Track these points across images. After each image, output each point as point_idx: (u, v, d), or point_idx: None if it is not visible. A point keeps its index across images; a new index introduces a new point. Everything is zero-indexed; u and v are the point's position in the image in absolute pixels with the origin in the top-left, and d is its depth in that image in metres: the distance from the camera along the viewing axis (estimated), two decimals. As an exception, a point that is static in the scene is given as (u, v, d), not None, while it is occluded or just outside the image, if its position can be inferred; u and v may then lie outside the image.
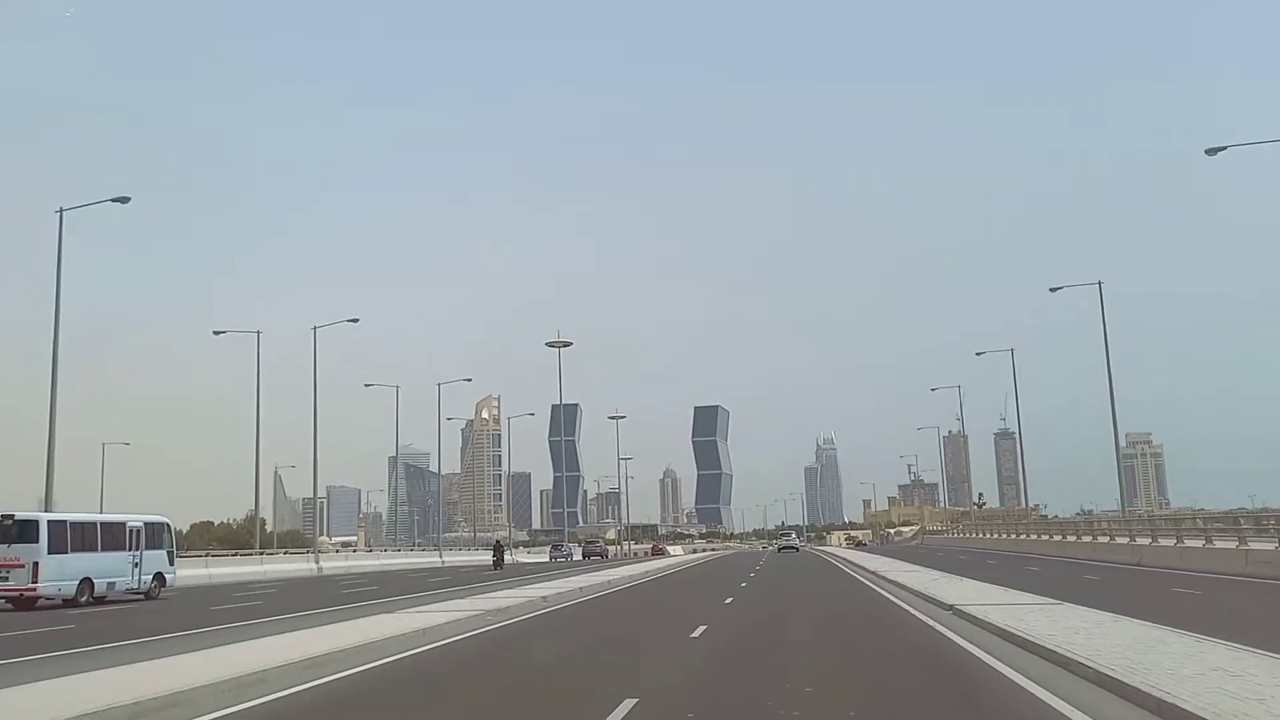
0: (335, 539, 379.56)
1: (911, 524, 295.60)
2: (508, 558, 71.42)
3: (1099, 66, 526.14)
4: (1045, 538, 53.87)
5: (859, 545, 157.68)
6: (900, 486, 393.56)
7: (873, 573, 35.59)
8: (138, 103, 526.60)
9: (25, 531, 28.77)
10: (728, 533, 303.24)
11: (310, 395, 64.60)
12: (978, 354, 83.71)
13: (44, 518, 30.36)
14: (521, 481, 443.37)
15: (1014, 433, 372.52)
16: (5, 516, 29.47)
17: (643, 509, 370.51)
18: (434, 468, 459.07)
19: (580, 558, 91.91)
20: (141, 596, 32.61)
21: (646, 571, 45.31)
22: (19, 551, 28.32)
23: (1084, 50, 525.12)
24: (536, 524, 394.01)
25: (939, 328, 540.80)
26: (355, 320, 72.13)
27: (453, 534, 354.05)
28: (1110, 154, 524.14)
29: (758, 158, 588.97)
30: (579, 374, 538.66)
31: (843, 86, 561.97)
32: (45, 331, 50.32)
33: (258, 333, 64.93)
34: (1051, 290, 60.91)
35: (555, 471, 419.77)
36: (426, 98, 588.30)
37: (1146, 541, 37.64)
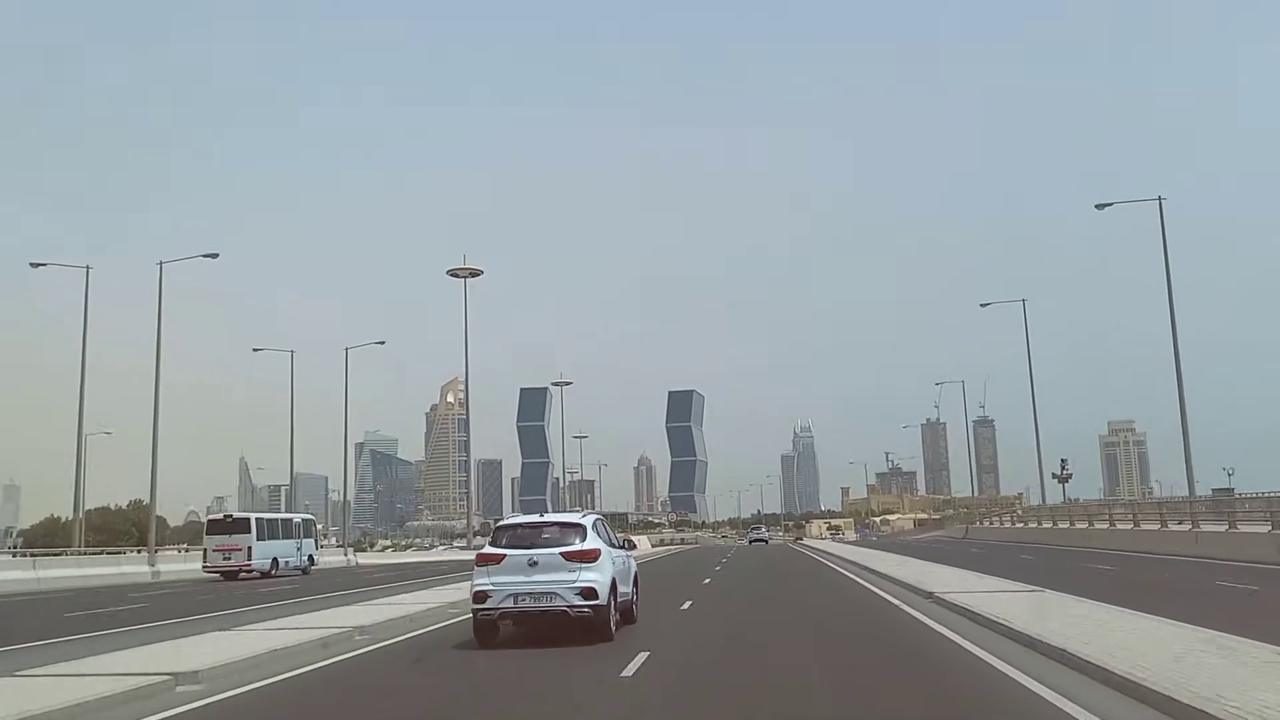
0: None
1: (893, 512, 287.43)
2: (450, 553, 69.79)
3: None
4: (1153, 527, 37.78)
5: (835, 535, 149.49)
6: (879, 475, 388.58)
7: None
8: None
9: (241, 526, 40.96)
10: (699, 522, 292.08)
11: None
12: (982, 305, 73.70)
13: (253, 516, 43.03)
14: (492, 469, 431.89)
15: (993, 420, 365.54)
16: (227, 516, 43.76)
17: (617, 498, 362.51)
18: (402, 454, 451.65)
19: None
20: (300, 572, 43.81)
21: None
22: (238, 540, 39.94)
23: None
24: (508, 513, 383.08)
25: (921, 319, 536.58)
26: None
27: (415, 523, 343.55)
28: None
29: (736, 133, 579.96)
30: (548, 356, 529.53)
31: (810, 63, 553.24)
32: None
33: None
34: (1099, 206, 48.12)
35: (524, 458, 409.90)
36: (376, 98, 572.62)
37: None
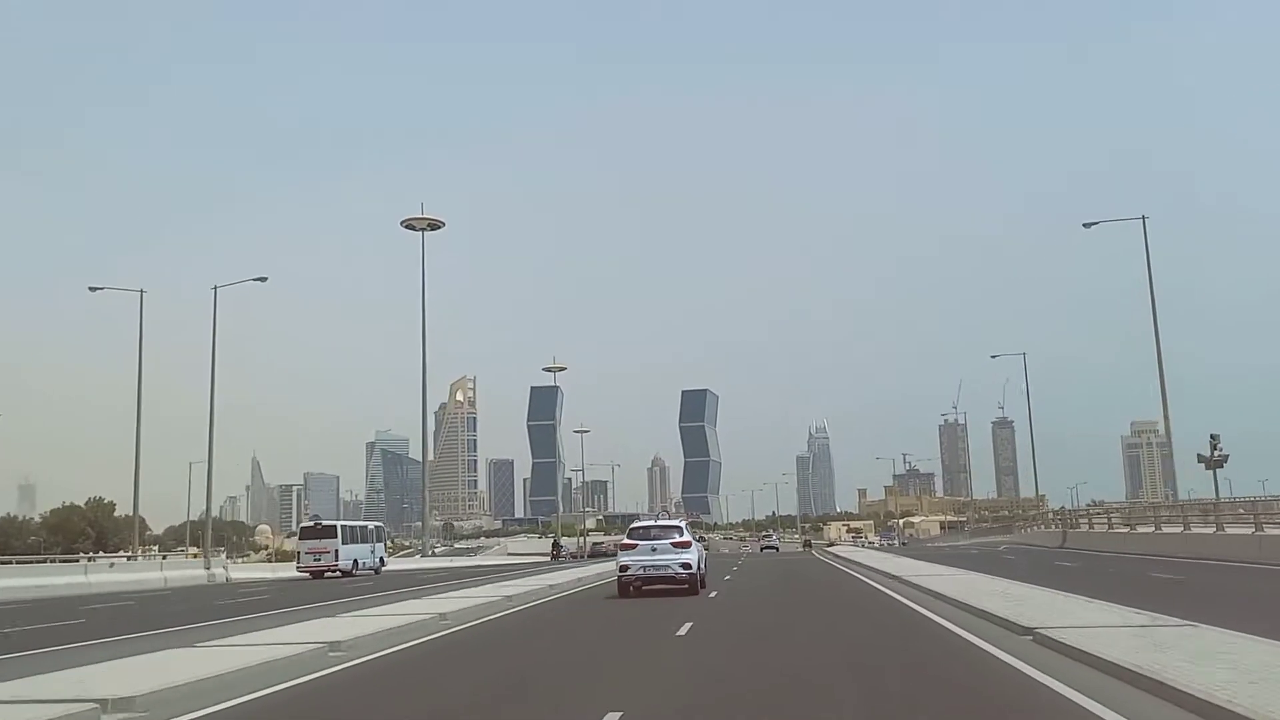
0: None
1: (911, 514, 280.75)
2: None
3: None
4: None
5: (857, 538, 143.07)
6: (895, 476, 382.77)
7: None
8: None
9: (329, 532, 47.47)
10: (711, 524, 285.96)
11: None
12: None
13: (339, 524, 49.15)
14: (504, 469, 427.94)
15: (1012, 421, 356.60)
16: (318, 523, 50.88)
17: (631, 498, 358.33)
18: (414, 454, 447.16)
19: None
20: (372, 572, 47.73)
21: (509, 599, 23.30)
22: (326, 544, 45.87)
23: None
24: (520, 513, 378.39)
25: (936, 315, 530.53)
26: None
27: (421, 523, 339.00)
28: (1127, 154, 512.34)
29: (745, 130, 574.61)
30: (561, 354, 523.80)
31: (828, 71, 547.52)
32: None
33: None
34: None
35: (534, 458, 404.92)
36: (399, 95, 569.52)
37: None
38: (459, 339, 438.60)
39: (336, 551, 45.63)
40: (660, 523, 25.39)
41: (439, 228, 59.50)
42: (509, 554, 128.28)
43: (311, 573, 44.83)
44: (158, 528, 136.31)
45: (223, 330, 52.39)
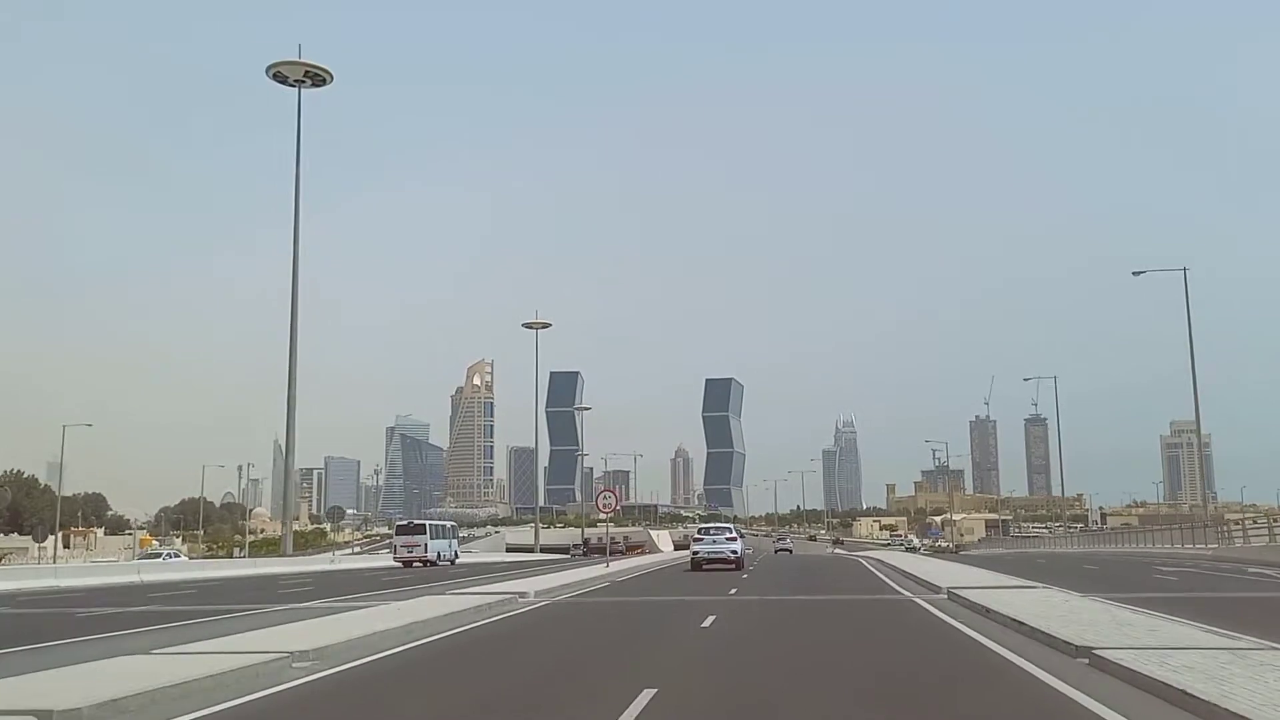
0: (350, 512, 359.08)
1: (941, 512, 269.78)
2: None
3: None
4: None
5: (896, 537, 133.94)
6: (924, 473, 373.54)
7: None
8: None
9: (419, 529, 56.65)
10: (731, 516, 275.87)
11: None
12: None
13: (428, 522, 59.26)
14: (525, 457, 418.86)
15: (1045, 419, 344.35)
16: (411, 522, 60.87)
17: (654, 489, 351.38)
18: (433, 440, 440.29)
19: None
20: (449, 563, 55.61)
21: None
22: (417, 539, 54.77)
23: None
24: (542, 502, 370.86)
25: (968, 308, 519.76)
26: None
27: (437, 509, 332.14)
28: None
29: (772, 121, 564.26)
30: (581, 341, 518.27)
31: (848, 52, 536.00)
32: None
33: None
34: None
35: (552, 445, 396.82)
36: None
37: None
38: (477, 318, 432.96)
39: (425, 545, 53.77)
40: (718, 525, 46.80)
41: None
42: (506, 546, 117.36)
43: (404, 562, 52.87)
44: (150, 508, 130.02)
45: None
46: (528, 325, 75.52)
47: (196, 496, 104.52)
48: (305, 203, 48.07)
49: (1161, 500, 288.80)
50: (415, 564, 52.41)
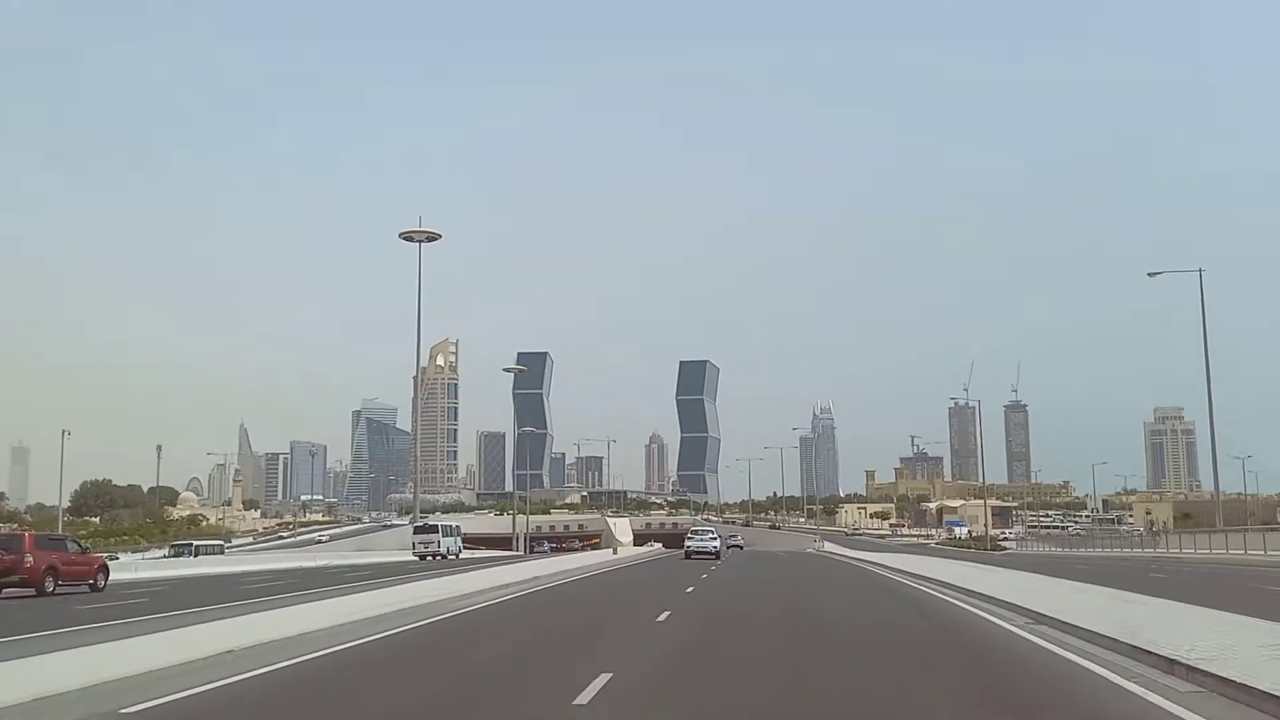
0: (303, 498, 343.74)
1: (925, 499, 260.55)
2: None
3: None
4: None
5: (896, 529, 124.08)
6: (903, 459, 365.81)
7: None
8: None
9: (434, 529, 66.96)
10: (701, 503, 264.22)
11: None
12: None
13: (440, 522, 73.99)
14: (494, 442, 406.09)
15: (1025, 405, 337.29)
16: (427, 522, 72.21)
17: (629, 476, 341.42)
18: (400, 423, 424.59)
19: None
20: (455, 557, 63.06)
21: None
22: (431, 537, 64.09)
23: None
24: (510, 487, 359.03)
25: (946, 300, 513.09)
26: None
27: (397, 495, 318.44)
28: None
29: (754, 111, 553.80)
30: (551, 321, 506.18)
31: (825, 45, 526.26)
32: None
33: None
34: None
35: (519, 428, 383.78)
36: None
37: None
38: (447, 302, 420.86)
39: (439, 541, 63.08)
40: (703, 526, 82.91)
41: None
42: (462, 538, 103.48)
43: (420, 556, 60.87)
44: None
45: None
46: (405, 235, 57.01)
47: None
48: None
49: (1147, 489, 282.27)
50: (427, 559, 60.30)
